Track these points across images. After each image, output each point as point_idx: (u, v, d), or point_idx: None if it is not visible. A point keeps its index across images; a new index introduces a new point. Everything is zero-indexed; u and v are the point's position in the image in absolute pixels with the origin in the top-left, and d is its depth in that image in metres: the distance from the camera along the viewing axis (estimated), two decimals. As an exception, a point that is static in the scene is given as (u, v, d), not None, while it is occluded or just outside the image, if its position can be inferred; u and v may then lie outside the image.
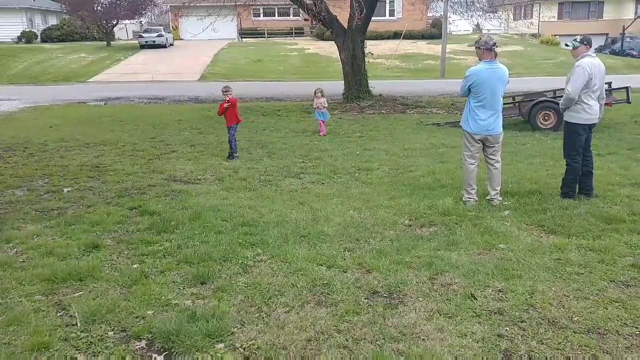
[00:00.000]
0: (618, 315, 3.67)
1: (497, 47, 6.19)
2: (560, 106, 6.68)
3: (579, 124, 6.36)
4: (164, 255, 4.85)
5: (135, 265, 4.63)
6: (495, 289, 4.07)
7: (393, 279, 4.25)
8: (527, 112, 12.71)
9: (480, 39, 6.28)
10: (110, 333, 3.54)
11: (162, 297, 3.96)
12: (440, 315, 3.71)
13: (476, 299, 3.91)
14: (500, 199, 6.41)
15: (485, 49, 6.14)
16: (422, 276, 4.32)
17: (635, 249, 4.86)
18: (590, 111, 6.31)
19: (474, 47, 6.61)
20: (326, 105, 12.39)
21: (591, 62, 6.23)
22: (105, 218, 5.99)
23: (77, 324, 3.64)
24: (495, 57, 6.18)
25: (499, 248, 4.93)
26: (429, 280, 4.25)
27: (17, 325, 3.63)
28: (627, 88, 12.73)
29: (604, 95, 6.55)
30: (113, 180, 7.98)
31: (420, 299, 3.94)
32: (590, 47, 6.36)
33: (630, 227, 5.40)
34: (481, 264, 4.53)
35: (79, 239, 5.29)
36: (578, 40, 6.39)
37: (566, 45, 6.68)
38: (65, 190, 7.51)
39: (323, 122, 12.34)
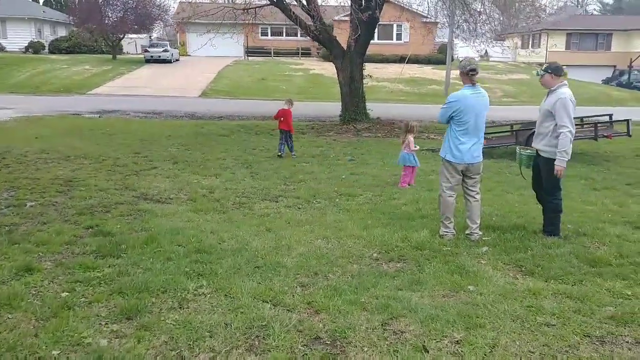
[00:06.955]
0: (587, 379, 3.21)
1: (476, 73, 5.76)
2: (564, 150, 5.64)
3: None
4: (99, 283, 4.42)
5: (63, 294, 4.20)
6: (453, 340, 3.60)
7: (341, 323, 3.80)
8: (524, 141, 12.32)
9: (466, 62, 5.81)
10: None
11: (76, 335, 3.51)
12: (384, 369, 3.26)
13: (427, 352, 3.45)
14: (480, 233, 5.97)
15: (469, 72, 5.73)
16: (374, 320, 3.86)
17: (617, 297, 4.38)
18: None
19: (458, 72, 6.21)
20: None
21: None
22: (53, 238, 5.60)
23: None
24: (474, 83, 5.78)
25: (467, 290, 4.48)
26: (381, 326, 3.79)
27: None
28: (627, 121, 12.33)
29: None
30: (81, 196, 7.62)
31: (365, 349, 3.48)
32: (558, 77, 5.78)
33: (616, 272, 4.91)
34: (443, 308, 4.07)
35: (15, 261, 4.88)
36: (543, 69, 5.95)
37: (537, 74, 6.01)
38: (29, 204, 7.16)
39: (412, 169, 9.19)
